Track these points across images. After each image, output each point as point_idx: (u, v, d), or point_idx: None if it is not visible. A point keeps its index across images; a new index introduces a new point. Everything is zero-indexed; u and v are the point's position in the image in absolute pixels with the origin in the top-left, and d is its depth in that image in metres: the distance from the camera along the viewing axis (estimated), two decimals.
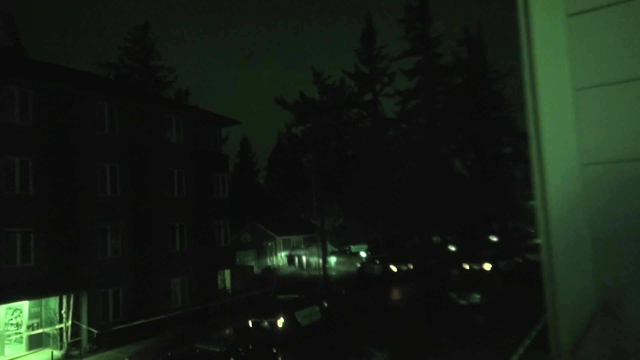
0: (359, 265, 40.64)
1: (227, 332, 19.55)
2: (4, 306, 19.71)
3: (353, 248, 54.13)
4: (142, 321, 22.76)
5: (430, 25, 54.62)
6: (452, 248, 51.14)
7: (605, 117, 1.27)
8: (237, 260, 39.06)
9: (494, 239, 53.21)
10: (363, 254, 49.22)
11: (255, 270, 42.36)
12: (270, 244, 49.54)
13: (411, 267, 37.27)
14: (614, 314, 1.20)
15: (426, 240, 54.07)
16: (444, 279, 31.30)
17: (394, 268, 36.32)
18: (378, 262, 38.09)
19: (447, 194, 48.41)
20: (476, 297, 23.72)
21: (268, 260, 48.54)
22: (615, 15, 1.24)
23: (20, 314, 20.54)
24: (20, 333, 20.45)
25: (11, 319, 20.32)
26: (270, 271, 42.29)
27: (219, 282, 29.03)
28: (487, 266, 32.96)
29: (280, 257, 49.32)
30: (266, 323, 20.41)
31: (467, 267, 34.22)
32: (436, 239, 55.68)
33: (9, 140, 20.17)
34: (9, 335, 20.14)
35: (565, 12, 1.29)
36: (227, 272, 29.99)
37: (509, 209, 53.87)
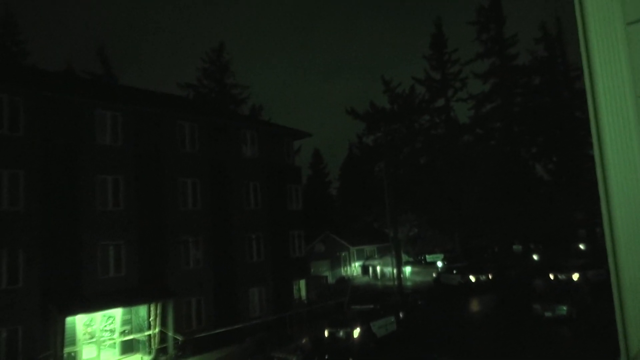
0: (435, 275, 39.72)
1: (304, 341, 19.88)
2: (100, 313, 21.34)
3: (428, 258, 52.95)
4: (223, 329, 23.66)
5: (504, 25, 52.80)
6: (535, 257, 48.55)
7: None
8: (312, 270, 39.56)
9: (582, 247, 49.85)
10: (439, 264, 48.03)
11: (330, 280, 42.67)
12: (343, 254, 49.69)
13: (490, 277, 35.85)
14: None
15: (506, 249, 51.72)
16: (527, 289, 29.80)
17: (472, 278, 35.14)
18: (455, 271, 37.05)
19: (529, 199, 46.12)
20: (562, 309, 22.31)
21: (342, 270, 48.67)
22: None
23: (114, 321, 22.05)
24: (113, 339, 21.93)
25: (106, 326, 21.84)
26: (345, 281, 42.39)
27: (295, 291, 29.53)
28: (575, 276, 30.94)
29: (354, 267, 49.28)
30: (342, 333, 20.45)
31: (552, 277, 32.36)
32: (517, 247, 53.08)
33: (103, 160, 21.97)
34: (104, 341, 21.66)
35: (624, 21, 1.30)
36: (302, 282, 30.44)
37: (598, 214, 50.21)
